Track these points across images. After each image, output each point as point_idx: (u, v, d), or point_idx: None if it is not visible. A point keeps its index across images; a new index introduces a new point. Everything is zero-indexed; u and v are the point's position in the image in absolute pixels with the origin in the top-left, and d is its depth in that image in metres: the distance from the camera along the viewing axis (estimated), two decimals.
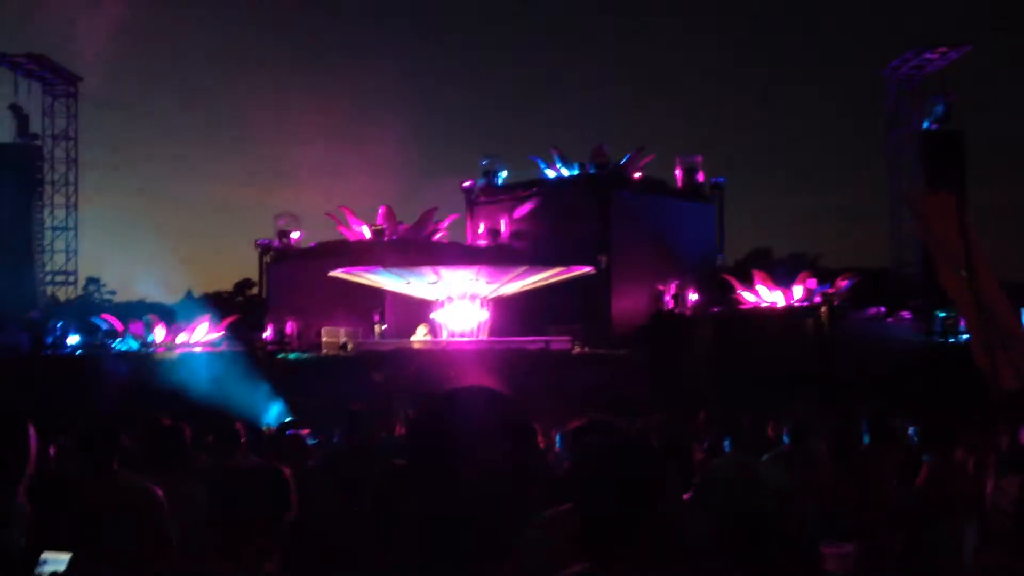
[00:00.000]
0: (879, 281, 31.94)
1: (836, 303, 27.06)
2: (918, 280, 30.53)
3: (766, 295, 28.81)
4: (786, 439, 6.16)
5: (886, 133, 35.12)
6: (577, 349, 24.49)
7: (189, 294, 54.60)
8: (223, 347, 27.88)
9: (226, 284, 56.55)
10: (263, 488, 2.91)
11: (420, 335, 26.87)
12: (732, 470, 3.07)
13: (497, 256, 31.38)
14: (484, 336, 26.72)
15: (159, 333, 27.82)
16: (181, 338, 28.00)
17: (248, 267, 49.71)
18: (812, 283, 28.22)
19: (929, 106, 33.35)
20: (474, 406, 1.57)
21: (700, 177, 35.75)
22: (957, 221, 5.50)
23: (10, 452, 1.85)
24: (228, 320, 29.66)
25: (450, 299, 27.08)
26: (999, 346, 5.43)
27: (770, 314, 27.93)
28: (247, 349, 26.69)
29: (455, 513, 1.49)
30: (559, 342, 24.65)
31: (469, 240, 35.36)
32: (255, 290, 39.90)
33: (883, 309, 27.18)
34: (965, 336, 26.43)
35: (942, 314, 26.35)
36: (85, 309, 34.53)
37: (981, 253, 5.59)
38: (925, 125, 33.25)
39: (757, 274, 29.75)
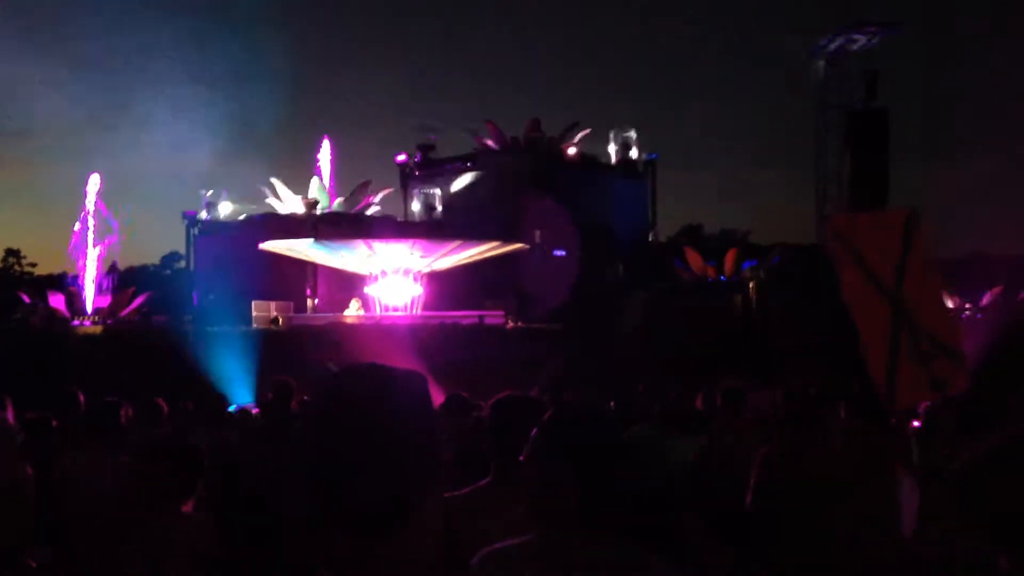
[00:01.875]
0: (808, 256, 32.66)
1: (764, 278, 27.61)
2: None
3: (697, 271, 29.26)
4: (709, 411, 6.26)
5: (815, 111, 35.81)
6: (510, 324, 24.55)
7: (114, 266, 53.17)
8: (149, 321, 27.24)
9: (153, 257, 55.22)
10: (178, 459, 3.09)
11: (353, 310, 26.62)
12: (639, 443, 3.12)
13: (431, 230, 31.22)
14: (418, 311, 26.61)
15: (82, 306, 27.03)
16: (103, 312, 27.25)
17: (175, 240, 48.51)
18: (746, 261, 28.73)
19: (855, 85, 34.06)
20: (366, 382, 1.57)
21: (634, 153, 36.03)
22: (901, 235, 5.51)
23: None
24: (149, 294, 28.95)
25: (384, 273, 26.86)
26: (909, 360, 5.50)
27: (700, 289, 28.39)
28: (174, 323, 26.10)
29: (348, 487, 1.49)
30: (493, 317, 24.67)
31: (403, 214, 35.09)
32: (183, 263, 39.00)
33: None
34: None
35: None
36: (4, 283, 33.30)
37: (919, 265, 5.62)
38: (851, 104, 33.98)
39: (688, 250, 30.17)
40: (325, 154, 34.33)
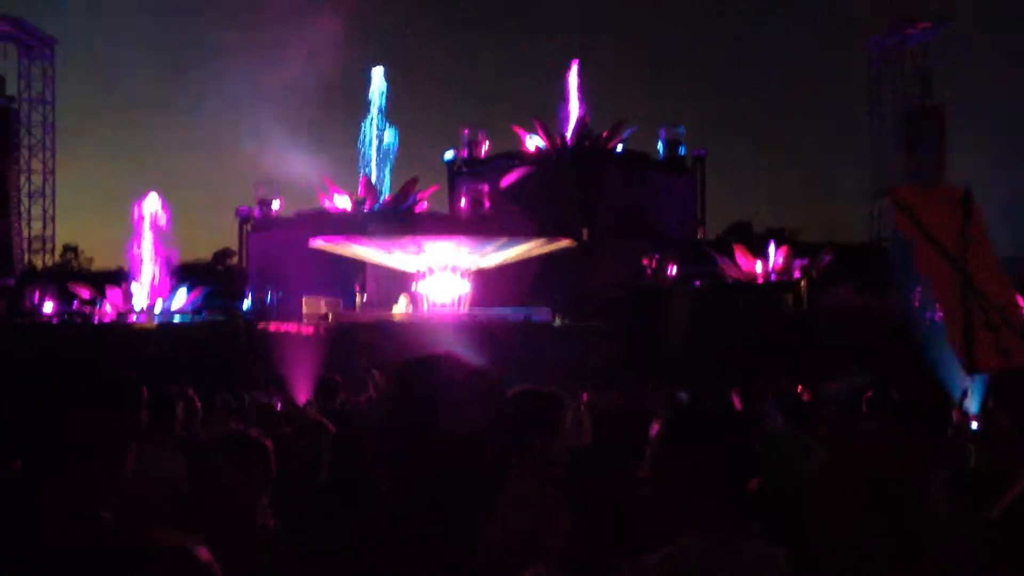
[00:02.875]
0: (859, 255, 32.17)
1: (815, 276, 27.24)
2: (896, 255, 30.76)
3: (745, 268, 28.96)
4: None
5: (868, 107, 35.24)
6: (558, 321, 24.54)
7: (168, 261, 54.21)
8: (203, 317, 27.79)
9: (205, 253, 56.16)
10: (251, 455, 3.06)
11: (401, 306, 26.82)
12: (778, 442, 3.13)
13: (479, 228, 31.31)
14: (465, 308, 26.72)
15: (138, 302, 27.64)
16: (159, 307, 27.84)
17: (228, 236, 49.30)
18: (796, 260, 28.37)
19: (910, 81, 33.43)
20: (450, 372, 1.59)
21: (682, 150, 35.75)
22: (960, 209, 5.69)
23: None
24: (201, 289, 29.49)
25: (431, 270, 27.02)
26: (981, 327, 5.64)
27: (749, 287, 28.09)
28: (227, 318, 26.59)
29: (434, 477, 1.51)
30: (540, 314, 24.68)
31: (451, 212, 35.25)
32: (235, 259, 39.66)
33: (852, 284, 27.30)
34: (940, 313, 26.67)
35: (920, 288, 26.58)
36: (62, 276, 34.21)
37: (978, 238, 5.78)
38: (907, 100, 33.37)
39: (737, 247, 29.87)
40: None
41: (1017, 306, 5.71)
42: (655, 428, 2.12)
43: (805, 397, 7.14)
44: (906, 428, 4.35)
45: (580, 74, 35.35)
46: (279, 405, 8.88)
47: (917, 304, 26.36)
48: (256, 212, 33.99)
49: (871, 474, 3.67)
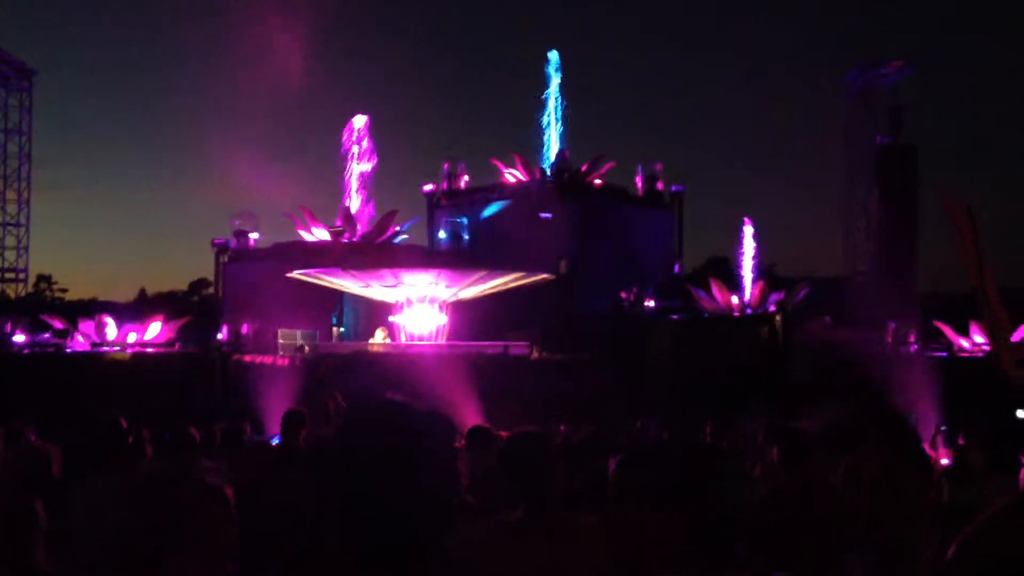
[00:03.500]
0: (833, 289, 32.45)
1: (790, 311, 27.43)
2: (871, 289, 31.07)
3: (722, 302, 29.14)
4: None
5: (842, 144, 35.73)
6: (535, 354, 24.53)
7: (142, 293, 53.83)
8: (176, 348, 27.51)
9: (181, 283, 55.82)
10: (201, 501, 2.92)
11: (379, 338, 26.72)
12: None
13: (457, 260, 31.34)
14: (443, 340, 26.65)
15: (110, 332, 27.32)
16: (132, 338, 27.53)
17: (204, 266, 49.04)
18: (772, 294, 28.62)
19: (883, 119, 33.98)
20: (384, 422, 1.58)
21: (660, 185, 36.07)
22: (970, 223, 5.95)
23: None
24: (181, 321, 29.23)
25: (409, 302, 26.97)
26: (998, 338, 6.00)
27: (726, 321, 28.25)
28: (202, 350, 26.35)
29: (369, 524, 1.49)
30: (518, 347, 24.67)
31: (430, 244, 35.27)
32: (211, 290, 39.39)
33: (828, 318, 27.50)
34: (915, 346, 26.93)
35: (893, 324, 26.84)
36: (35, 307, 33.78)
37: (988, 259, 6.07)
38: (879, 139, 33.88)
39: (714, 281, 30.07)
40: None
41: (1005, 316, 5.91)
42: (612, 464, 2.12)
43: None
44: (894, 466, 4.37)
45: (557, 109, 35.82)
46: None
47: (890, 339, 26.64)
48: (233, 243, 33.83)
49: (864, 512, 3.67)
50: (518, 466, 2.73)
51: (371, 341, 26.61)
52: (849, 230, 35.00)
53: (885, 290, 30.84)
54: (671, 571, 1.99)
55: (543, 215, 31.45)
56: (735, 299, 29.17)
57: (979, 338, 26.55)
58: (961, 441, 6.34)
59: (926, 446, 6.86)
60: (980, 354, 25.86)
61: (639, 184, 36.08)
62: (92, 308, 30.65)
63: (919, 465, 5.43)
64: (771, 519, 3.98)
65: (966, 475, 5.82)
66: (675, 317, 29.20)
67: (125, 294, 52.68)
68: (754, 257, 30.11)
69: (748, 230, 30.66)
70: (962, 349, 26.76)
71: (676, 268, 36.66)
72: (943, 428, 6.48)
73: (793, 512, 3.88)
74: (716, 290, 29.55)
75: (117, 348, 26.79)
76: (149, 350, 26.89)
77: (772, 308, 27.91)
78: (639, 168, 36.21)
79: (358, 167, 33.27)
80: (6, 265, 35.80)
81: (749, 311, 28.70)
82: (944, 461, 6.57)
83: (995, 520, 1.59)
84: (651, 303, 30.96)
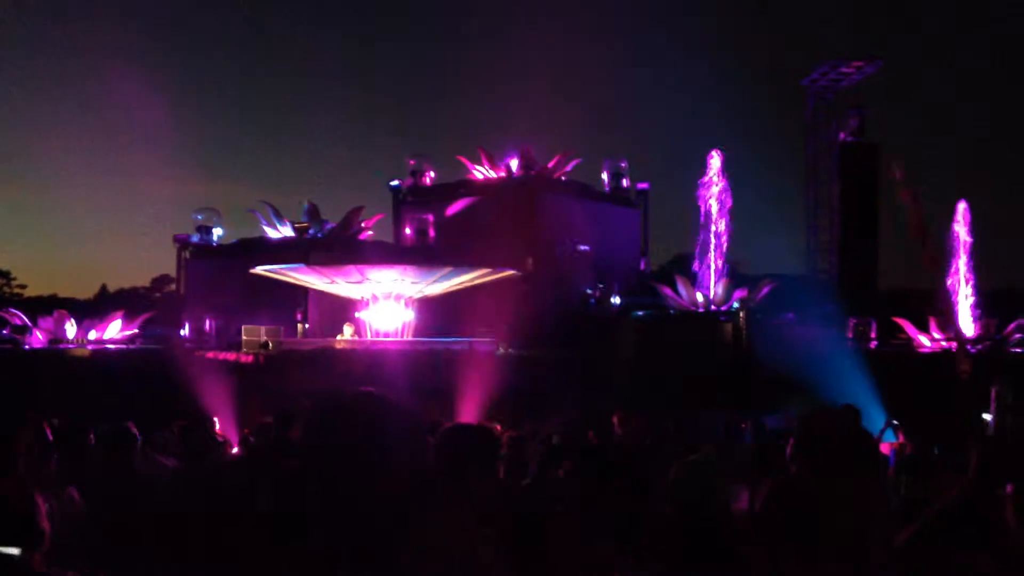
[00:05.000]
0: (795, 287, 32.84)
1: (753, 308, 27.70)
2: (832, 286, 31.52)
3: (687, 299, 29.36)
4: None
5: (804, 143, 36.16)
6: (502, 350, 24.55)
7: (103, 289, 53.08)
8: (137, 344, 27.16)
9: (143, 279, 55.12)
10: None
11: (347, 335, 26.59)
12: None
13: (423, 256, 31.27)
14: (409, 336, 26.60)
15: (70, 329, 26.91)
16: (93, 335, 27.15)
17: (166, 262, 48.44)
18: (736, 291, 28.87)
19: (845, 118, 34.43)
20: (366, 410, 1.60)
21: (625, 182, 36.25)
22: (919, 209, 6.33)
23: None
24: (142, 317, 28.87)
25: (375, 299, 26.86)
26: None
27: (691, 318, 28.46)
28: (163, 347, 26.03)
29: (350, 516, 1.51)
30: (484, 343, 24.67)
31: (396, 240, 35.15)
32: (173, 286, 38.93)
33: (790, 315, 27.80)
34: (875, 343, 27.36)
35: (853, 320, 27.23)
36: None
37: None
38: (841, 137, 34.33)
39: (679, 278, 30.28)
40: None
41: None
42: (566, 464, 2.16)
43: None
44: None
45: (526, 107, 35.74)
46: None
47: (851, 335, 27.05)
48: (195, 238, 33.47)
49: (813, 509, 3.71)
50: (450, 460, 2.75)
51: (338, 337, 26.47)
52: (812, 228, 35.47)
53: (846, 287, 31.31)
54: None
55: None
56: (700, 296, 29.39)
57: (937, 335, 27.04)
58: (901, 438, 6.48)
59: (883, 444, 6.99)
60: (939, 350, 26.36)
61: (605, 181, 36.23)
62: (52, 304, 30.17)
63: (870, 463, 5.54)
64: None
65: (918, 469, 5.94)
66: (640, 314, 29.37)
67: (86, 290, 51.92)
68: (719, 251, 30.23)
69: (715, 162, 30.29)
70: (921, 345, 27.24)
71: (643, 265, 36.87)
72: (895, 422, 6.61)
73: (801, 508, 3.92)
74: (682, 287, 29.76)
75: (77, 345, 26.40)
76: (110, 347, 26.53)
77: (736, 305, 28.17)
78: (605, 165, 36.36)
79: None
80: None
81: (714, 308, 28.94)
82: (889, 454, 6.70)
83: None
84: (617, 300, 31.12)
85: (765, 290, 29.18)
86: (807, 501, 3.44)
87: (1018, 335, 26.55)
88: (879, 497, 3.83)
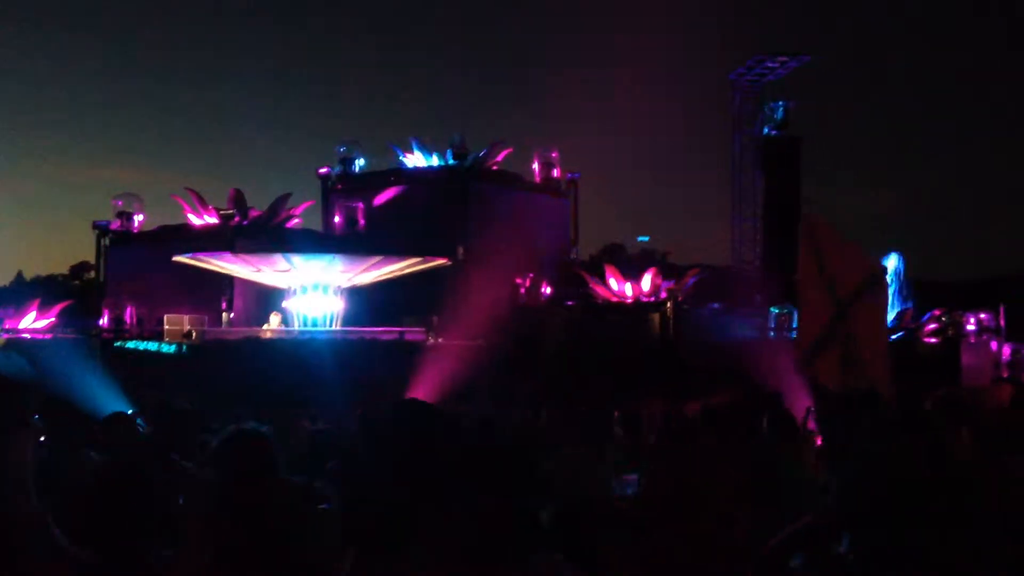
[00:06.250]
0: (722, 277, 33.48)
1: (680, 299, 28.16)
2: (757, 277, 32.21)
3: (616, 290, 29.69)
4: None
5: (731, 135, 36.80)
6: (431, 340, 24.48)
7: (19, 276, 51.18)
8: (55, 334, 26.29)
9: (61, 267, 53.34)
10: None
11: (274, 324, 26.17)
12: None
13: (352, 245, 30.94)
14: (338, 326, 26.31)
15: None
16: (7, 323, 26.19)
17: (85, 249, 46.92)
18: (663, 282, 29.26)
19: (769, 112, 35.16)
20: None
21: (556, 172, 36.41)
22: (866, 278, 6.61)
23: None
24: (60, 305, 27.96)
25: (303, 288, 26.50)
26: (837, 354, 6.41)
27: (619, 309, 28.80)
28: (81, 336, 25.26)
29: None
30: (414, 333, 24.57)
31: (324, 228, 34.68)
32: (92, 274, 37.75)
33: (716, 305, 28.30)
34: (795, 332, 28.05)
35: (775, 310, 27.88)
36: None
37: (877, 307, 6.73)
38: (765, 131, 35.05)
39: (609, 269, 30.60)
40: None
41: (884, 368, 6.53)
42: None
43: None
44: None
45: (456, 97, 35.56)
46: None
47: (772, 325, 27.71)
48: (115, 225, 32.48)
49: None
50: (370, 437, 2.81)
51: (265, 327, 26.05)
52: (737, 219, 36.18)
53: (769, 278, 32.04)
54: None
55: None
56: (629, 287, 29.74)
57: None
58: (811, 425, 6.73)
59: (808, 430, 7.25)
60: None
61: (536, 171, 36.32)
62: None
63: (801, 445, 5.75)
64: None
65: (833, 454, 6.18)
66: (570, 304, 29.60)
67: (1, 277, 49.96)
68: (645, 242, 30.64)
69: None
70: None
71: (572, 255, 37.09)
72: (812, 409, 6.86)
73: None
74: (611, 277, 30.07)
75: None
76: (25, 336, 25.62)
77: (664, 295, 28.59)
78: (535, 155, 36.43)
79: None
80: None
81: (643, 299, 29.32)
82: (818, 441, 6.96)
83: None
84: (547, 290, 31.29)
85: (692, 280, 29.68)
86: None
87: (932, 325, 27.52)
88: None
